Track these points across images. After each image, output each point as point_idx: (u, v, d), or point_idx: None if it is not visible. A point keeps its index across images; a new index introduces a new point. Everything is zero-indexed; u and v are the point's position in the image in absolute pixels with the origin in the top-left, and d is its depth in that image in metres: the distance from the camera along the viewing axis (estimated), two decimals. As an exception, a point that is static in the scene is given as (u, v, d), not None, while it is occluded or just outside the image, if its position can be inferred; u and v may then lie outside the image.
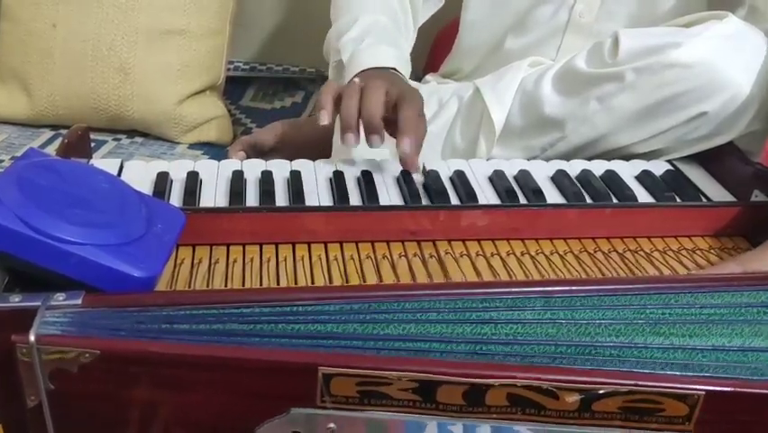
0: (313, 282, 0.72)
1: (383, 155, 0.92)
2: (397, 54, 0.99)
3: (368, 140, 0.86)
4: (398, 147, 0.85)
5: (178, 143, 1.36)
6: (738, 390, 0.58)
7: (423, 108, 0.90)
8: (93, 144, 0.95)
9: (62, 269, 0.60)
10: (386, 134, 0.87)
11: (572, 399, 0.56)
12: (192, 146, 1.36)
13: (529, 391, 0.56)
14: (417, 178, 0.88)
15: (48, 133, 1.35)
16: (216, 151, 1.34)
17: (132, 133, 1.37)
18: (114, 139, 1.35)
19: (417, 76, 1.40)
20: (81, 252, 0.60)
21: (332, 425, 0.58)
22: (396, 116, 0.86)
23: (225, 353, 0.57)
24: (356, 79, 0.90)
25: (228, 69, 1.46)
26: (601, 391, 0.56)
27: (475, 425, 0.59)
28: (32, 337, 0.55)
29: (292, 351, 0.58)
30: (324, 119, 0.87)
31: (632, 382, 0.56)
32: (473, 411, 0.58)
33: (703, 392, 0.57)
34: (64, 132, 0.89)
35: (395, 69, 0.96)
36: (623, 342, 0.62)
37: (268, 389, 0.58)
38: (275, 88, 1.64)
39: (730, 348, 0.62)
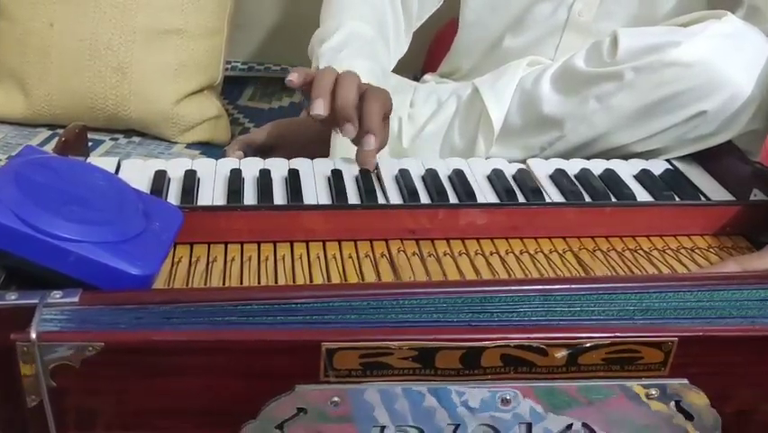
0: (311, 281, 0.72)
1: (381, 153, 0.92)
2: (372, 68, 0.99)
3: (342, 126, 0.86)
4: (363, 143, 0.86)
5: (176, 143, 1.35)
6: (707, 334, 0.62)
7: (389, 109, 0.91)
8: (90, 144, 0.95)
9: (59, 266, 0.60)
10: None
11: (560, 354, 0.60)
12: (190, 146, 1.35)
13: (521, 351, 0.60)
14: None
15: (45, 133, 1.34)
16: (214, 150, 1.34)
17: (129, 132, 1.37)
18: (112, 138, 1.35)
19: (416, 76, 1.40)
20: (78, 249, 0.60)
21: (336, 398, 0.60)
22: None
23: (228, 336, 0.58)
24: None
25: (226, 69, 1.46)
26: (587, 345, 0.60)
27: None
28: (33, 334, 0.55)
29: (294, 330, 0.59)
30: (320, 110, 0.86)
31: (613, 335, 0.61)
32: (470, 374, 0.61)
33: (676, 338, 0.61)
34: (61, 131, 0.88)
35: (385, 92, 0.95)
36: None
37: (272, 368, 0.59)
38: (273, 88, 1.63)
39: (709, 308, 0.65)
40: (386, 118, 0.90)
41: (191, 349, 0.58)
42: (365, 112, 0.86)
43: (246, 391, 0.60)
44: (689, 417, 0.64)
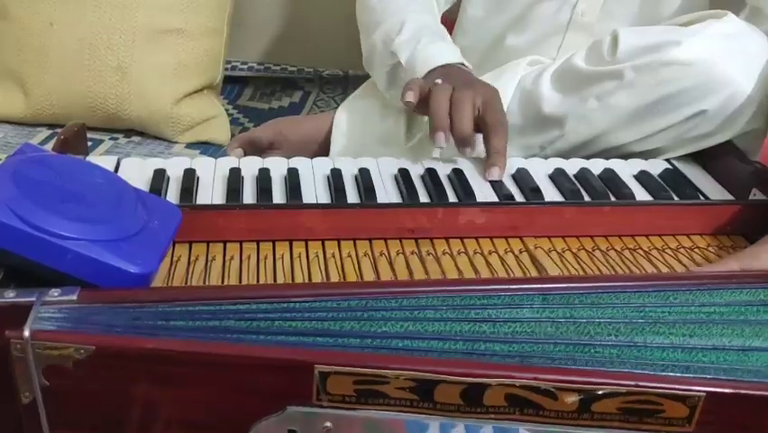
0: (310, 280, 0.72)
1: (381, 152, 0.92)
2: (455, 50, 1.01)
3: (461, 150, 0.87)
4: (489, 157, 0.87)
5: (176, 143, 1.35)
6: (739, 391, 0.58)
7: (503, 107, 0.92)
8: (90, 144, 0.95)
9: (58, 264, 0.60)
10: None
11: (571, 399, 0.56)
12: (189, 146, 1.35)
13: (527, 392, 0.56)
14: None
15: (44, 132, 1.34)
16: (214, 150, 1.34)
17: (129, 132, 1.37)
18: (111, 138, 1.35)
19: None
20: (77, 247, 0.60)
21: (328, 424, 0.58)
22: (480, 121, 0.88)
23: (221, 349, 0.57)
24: (439, 80, 0.91)
25: (226, 69, 1.45)
26: (600, 392, 0.56)
27: (478, 426, 0.58)
28: (26, 333, 0.55)
29: (288, 348, 0.58)
30: (410, 97, 0.89)
31: (632, 383, 0.56)
32: (471, 411, 0.57)
33: (704, 394, 0.56)
34: (60, 131, 0.88)
35: (463, 63, 0.97)
36: (622, 341, 0.61)
37: (263, 386, 0.57)
38: (273, 88, 1.63)
39: (731, 348, 0.62)
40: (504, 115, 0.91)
41: (183, 360, 0.56)
42: (491, 144, 0.87)
43: (236, 407, 0.58)
44: None
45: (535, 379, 0.56)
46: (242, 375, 0.57)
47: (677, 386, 0.56)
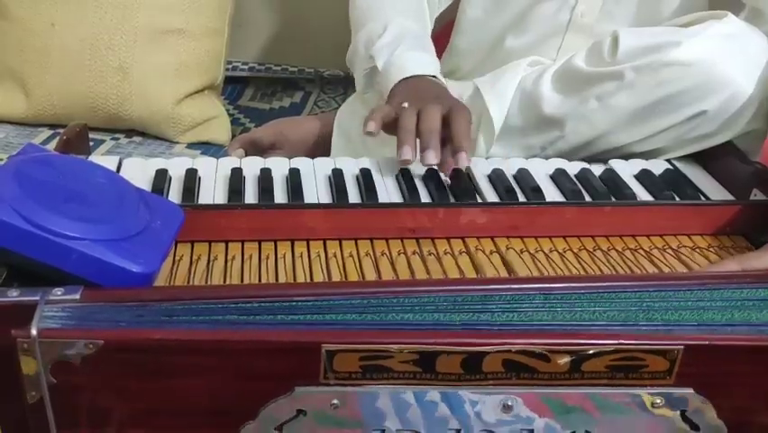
0: (312, 280, 0.72)
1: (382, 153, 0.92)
2: (432, 60, 1.00)
3: (423, 156, 0.85)
4: (456, 161, 0.85)
5: (177, 143, 1.35)
6: (713, 343, 0.61)
7: (471, 119, 0.91)
8: (91, 144, 0.95)
9: (60, 264, 0.60)
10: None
11: (563, 360, 0.59)
12: (190, 146, 1.35)
13: (523, 356, 0.59)
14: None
15: (46, 133, 1.34)
16: (215, 151, 1.34)
17: (130, 132, 1.37)
18: (113, 138, 1.35)
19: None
20: (79, 247, 0.60)
21: (335, 401, 0.60)
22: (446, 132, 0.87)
23: (229, 336, 0.58)
24: (406, 104, 0.90)
25: (227, 69, 1.46)
26: (590, 352, 0.59)
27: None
28: (33, 331, 0.55)
29: (295, 330, 0.59)
30: (371, 128, 0.87)
31: (616, 342, 0.60)
32: (471, 379, 0.60)
33: (682, 347, 0.60)
34: (62, 131, 0.88)
35: (434, 75, 0.97)
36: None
37: (272, 369, 0.59)
38: (273, 89, 1.64)
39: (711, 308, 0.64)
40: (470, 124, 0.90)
41: (190, 348, 0.58)
42: (455, 132, 0.86)
43: (245, 392, 0.59)
44: (694, 427, 0.63)
45: (530, 344, 0.59)
46: (250, 360, 0.58)
47: (658, 342, 0.60)
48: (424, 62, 0.98)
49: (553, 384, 0.61)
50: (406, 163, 0.86)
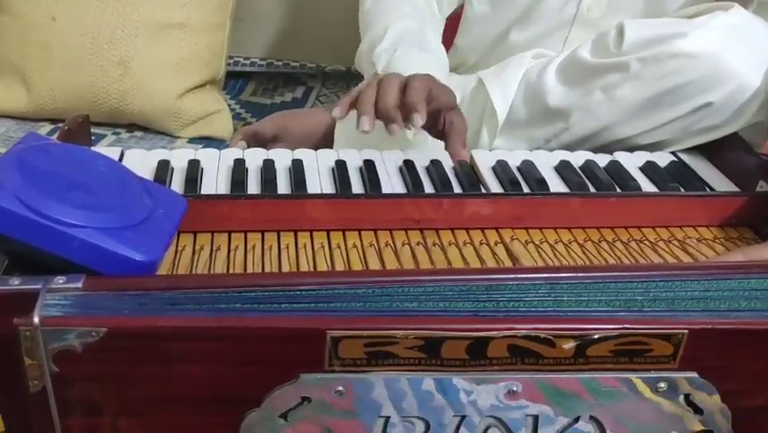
0: (315, 270, 0.72)
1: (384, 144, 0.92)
2: (429, 59, 1.00)
3: (388, 128, 0.85)
4: (411, 121, 0.85)
5: (178, 138, 1.35)
6: (717, 326, 0.60)
7: (456, 102, 0.91)
8: (92, 139, 0.94)
9: (63, 252, 0.59)
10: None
11: (568, 345, 0.59)
12: (192, 140, 1.35)
13: (528, 341, 0.59)
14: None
15: (47, 127, 1.34)
16: (216, 145, 1.33)
17: (131, 127, 1.37)
18: (114, 133, 1.35)
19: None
20: (82, 235, 0.59)
21: (340, 388, 0.59)
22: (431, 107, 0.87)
23: (233, 322, 0.57)
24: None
25: (228, 64, 1.45)
26: (595, 336, 0.59)
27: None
28: (36, 319, 0.55)
29: (299, 317, 0.59)
30: (336, 112, 0.88)
31: (621, 326, 0.59)
32: (476, 365, 0.59)
33: (686, 331, 0.59)
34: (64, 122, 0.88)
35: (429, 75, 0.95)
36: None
37: (277, 356, 0.58)
38: (275, 83, 1.63)
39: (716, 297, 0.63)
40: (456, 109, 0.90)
41: (194, 335, 0.57)
42: (407, 96, 0.85)
43: (249, 379, 0.59)
44: (698, 411, 0.63)
45: (535, 329, 0.58)
46: (254, 347, 0.58)
47: (662, 326, 0.60)
48: (418, 62, 0.97)
49: (558, 370, 0.60)
50: (366, 133, 0.85)
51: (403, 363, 0.59)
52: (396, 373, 0.59)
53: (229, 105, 1.46)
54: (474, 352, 0.59)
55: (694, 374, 0.61)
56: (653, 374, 0.61)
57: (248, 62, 1.62)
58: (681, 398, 0.62)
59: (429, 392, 0.60)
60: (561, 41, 1.09)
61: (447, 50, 1.26)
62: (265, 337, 0.57)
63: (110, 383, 0.58)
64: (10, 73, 1.33)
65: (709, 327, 0.60)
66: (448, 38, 1.28)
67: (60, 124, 1.31)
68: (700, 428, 0.64)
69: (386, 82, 0.86)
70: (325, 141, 1.07)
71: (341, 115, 0.88)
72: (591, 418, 0.63)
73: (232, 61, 1.54)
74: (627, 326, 0.59)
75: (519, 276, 0.63)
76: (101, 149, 1.23)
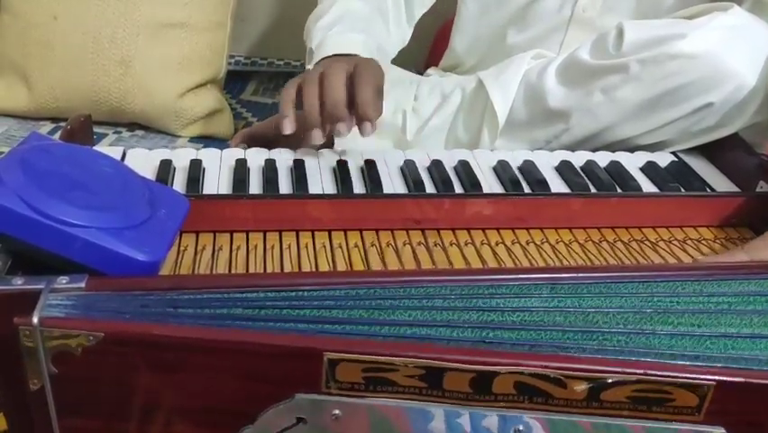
0: (317, 270, 0.72)
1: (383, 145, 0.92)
2: (364, 40, 0.97)
3: (333, 130, 0.84)
4: (361, 131, 0.85)
5: (179, 137, 1.36)
6: (749, 380, 0.57)
7: (382, 82, 0.87)
8: (94, 138, 0.95)
9: (66, 252, 0.59)
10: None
11: (580, 387, 0.56)
12: (193, 140, 1.36)
13: (536, 380, 0.56)
14: None
15: (48, 126, 1.34)
16: (217, 144, 1.33)
17: (132, 126, 1.37)
18: (115, 132, 1.35)
19: (419, 70, 1.40)
20: (85, 235, 0.59)
21: (337, 411, 0.58)
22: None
23: (230, 336, 0.56)
24: (312, 67, 0.88)
25: (229, 63, 1.46)
26: (610, 381, 0.56)
27: (482, 415, 0.58)
28: (35, 319, 0.55)
29: (297, 335, 0.58)
30: (287, 128, 0.86)
31: (641, 372, 0.56)
32: (480, 400, 0.57)
33: (714, 383, 0.56)
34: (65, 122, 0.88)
35: (357, 55, 0.94)
36: (630, 329, 0.61)
37: (272, 374, 0.57)
38: (276, 82, 1.64)
39: (739, 336, 0.61)
40: (379, 91, 0.87)
41: (191, 346, 0.56)
42: (358, 100, 0.83)
43: (245, 395, 0.58)
44: None
45: (544, 367, 0.55)
46: (250, 363, 0.57)
47: (687, 375, 0.56)
48: (348, 42, 0.95)
49: (568, 412, 0.57)
50: (287, 133, 0.84)
51: (403, 392, 0.56)
52: (394, 402, 0.57)
53: (230, 105, 1.46)
54: (478, 386, 0.56)
55: (721, 430, 0.58)
56: (675, 425, 0.57)
57: (249, 61, 1.62)
58: None
59: (430, 424, 0.58)
60: (558, 43, 1.09)
61: (443, 54, 1.27)
62: (262, 354, 0.56)
63: (107, 386, 0.58)
64: (11, 72, 1.34)
65: (741, 379, 0.56)
66: (442, 41, 1.29)
67: (61, 124, 1.33)
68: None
69: (330, 78, 0.84)
70: (326, 141, 1.07)
71: (291, 130, 0.86)
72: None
73: (233, 60, 1.55)
74: (649, 371, 0.55)
75: (521, 276, 0.64)
76: (102, 148, 1.23)
